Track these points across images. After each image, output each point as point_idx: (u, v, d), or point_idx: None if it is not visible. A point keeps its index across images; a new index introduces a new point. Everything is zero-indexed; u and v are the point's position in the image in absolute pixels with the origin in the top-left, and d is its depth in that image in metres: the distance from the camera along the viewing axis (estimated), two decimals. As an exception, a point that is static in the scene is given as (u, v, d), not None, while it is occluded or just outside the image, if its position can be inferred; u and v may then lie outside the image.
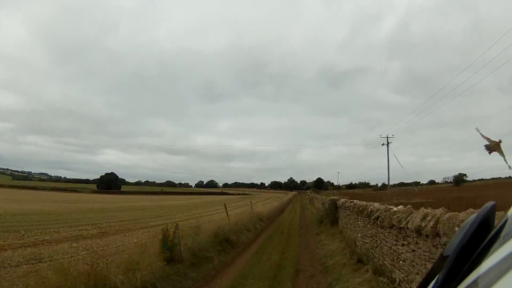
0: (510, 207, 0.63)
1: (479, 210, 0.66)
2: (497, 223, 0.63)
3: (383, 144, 38.69)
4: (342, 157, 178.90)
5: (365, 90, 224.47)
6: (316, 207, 26.25)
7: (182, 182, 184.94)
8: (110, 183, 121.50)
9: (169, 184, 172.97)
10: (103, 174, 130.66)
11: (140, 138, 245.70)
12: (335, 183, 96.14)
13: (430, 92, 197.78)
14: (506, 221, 0.60)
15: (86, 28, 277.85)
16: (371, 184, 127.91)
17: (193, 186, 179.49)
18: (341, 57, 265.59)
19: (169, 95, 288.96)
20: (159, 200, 59.53)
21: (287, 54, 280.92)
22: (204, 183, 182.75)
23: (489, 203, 0.67)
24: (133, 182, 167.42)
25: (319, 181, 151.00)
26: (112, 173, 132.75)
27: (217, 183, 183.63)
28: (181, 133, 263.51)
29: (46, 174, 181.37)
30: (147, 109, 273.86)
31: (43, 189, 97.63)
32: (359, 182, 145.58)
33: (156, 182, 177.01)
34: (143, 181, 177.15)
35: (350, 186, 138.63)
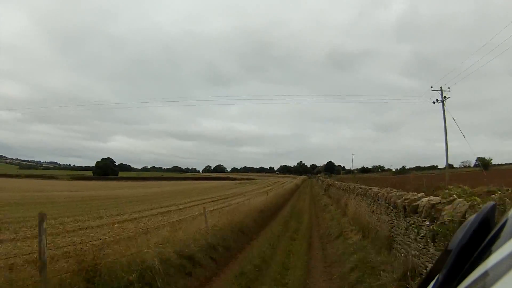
0: (510, 207, 0.63)
1: (479, 210, 0.66)
2: (497, 223, 0.64)
3: (436, 101, 24.34)
4: (353, 141, 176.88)
5: (375, 73, 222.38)
6: (345, 204, 13.82)
7: (190, 167, 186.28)
8: (106, 169, 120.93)
9: (176, 169, 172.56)
10: (99, 160, 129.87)
11: (147, 124, 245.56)
12: (347, 167, 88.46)
13: (439, 76, 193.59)
14: (506, 221, 0.61)
15: (87, 14, 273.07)
16: (385, 167, 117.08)
17: (201, 171, 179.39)
18: (349, 38, 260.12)
19: (174, 80, 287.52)
20: (147, 187, 52.73)
21: (292, 35, 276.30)
22: (212, 167, 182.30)
23: (489, 203, 0.67)
24: (139, 168, 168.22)
25: (330, 165, 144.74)
26: (109, 159, 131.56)
27: (225, 168, 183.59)
28: (189, 118, 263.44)
29: (55, 163, 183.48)
30: (153, 95, 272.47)
31: (27, 176, 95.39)
32: (373, 166, 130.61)
33: (163, 167, 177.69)
34: (149, 167, 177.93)
35: (364, 170, 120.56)
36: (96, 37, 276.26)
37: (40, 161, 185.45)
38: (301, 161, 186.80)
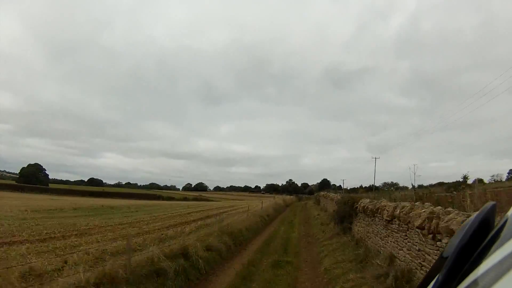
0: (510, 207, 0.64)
1: (479, 210, 0.67)
2: (497, 223, 0.64)
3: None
4: (347, 162, 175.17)
5: (371, 92, 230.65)
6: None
7: (168, 185, 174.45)
8: (31, 178, 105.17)
9: (153, 186, 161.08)
10: (25, 166, 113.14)
11: (139, 141, 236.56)
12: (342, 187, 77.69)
13: (437, 94, 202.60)
14: (506, 221, 0.61)
15: (81, 25, 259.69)
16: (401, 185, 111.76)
17: (181, 189, 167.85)
18: (347, 56, 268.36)
19: (168, 97, 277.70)
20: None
21: (290, 53, 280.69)
22: (192, 186, 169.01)
23: (489, 203, 0.68)
24: (112, 183, 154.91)
25: (324, 183, 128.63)
26: (37, 165, 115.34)
27: (207, 186, 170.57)
28: (181, 136, 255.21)
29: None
30: (146, 111, 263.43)
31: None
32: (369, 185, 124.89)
33: (138, 184, 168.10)
34: (123, 183, 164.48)
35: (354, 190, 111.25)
36: (90, 49, 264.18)
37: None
38: (290, 180, 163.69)
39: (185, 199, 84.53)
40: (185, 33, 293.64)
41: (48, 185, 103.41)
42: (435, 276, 0.65)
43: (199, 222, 17.76)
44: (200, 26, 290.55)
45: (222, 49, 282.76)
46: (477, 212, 0.66)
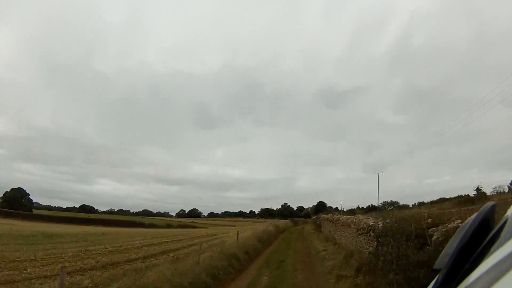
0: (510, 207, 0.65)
1: (479, 210, 0.67)
2: (497, 223, 0.64)
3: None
4: (342, 182, 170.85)
5: (365, 111, 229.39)
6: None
7: (161, 211, 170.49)
8: (13, 203, 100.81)
9: (146, 213, 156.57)
10: (8, 191, 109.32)
11: (134, 167, 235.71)
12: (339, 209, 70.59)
13: (432, 108, 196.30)
14: (506, 221, 0.61)
15: (74, 50, 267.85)
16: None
17: (174, 215, 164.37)
18: (339, 75, 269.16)
19: (162, 121, 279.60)
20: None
21: (282, 75, 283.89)
22: (186, 212, 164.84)
23: (489, 203, 0.68)
24: (104, 210, 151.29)
25: (320, 206, 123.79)
26: (20, 189, 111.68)
27: (200, 213, 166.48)
28: (176, 161, 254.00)
29: (37, 203, 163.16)
30: (140, 136, 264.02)
31: None
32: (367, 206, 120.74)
33: (131, 211, 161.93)
34: (116, 210, 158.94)
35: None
36: (82, 73, 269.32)
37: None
38: (285, 203, 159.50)
39: (169, 226, 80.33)
40: (176, 57, 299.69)
41: (31, 211, 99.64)
42: (435, 276, 0.64)
43: (139, 263, 13.00)
44: (192, 50, 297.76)
45: (214, 73, 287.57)
46: (477, 212, 0.66)
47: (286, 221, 64.88)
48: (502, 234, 0.58)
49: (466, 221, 0.67)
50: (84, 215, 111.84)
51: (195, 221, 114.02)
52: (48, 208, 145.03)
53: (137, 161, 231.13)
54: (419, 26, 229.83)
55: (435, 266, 0.66)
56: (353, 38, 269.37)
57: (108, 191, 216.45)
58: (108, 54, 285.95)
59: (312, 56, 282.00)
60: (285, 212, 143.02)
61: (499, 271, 0.47)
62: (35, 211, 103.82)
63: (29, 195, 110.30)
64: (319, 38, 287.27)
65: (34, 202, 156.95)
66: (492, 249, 0.55)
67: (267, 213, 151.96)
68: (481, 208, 0.67)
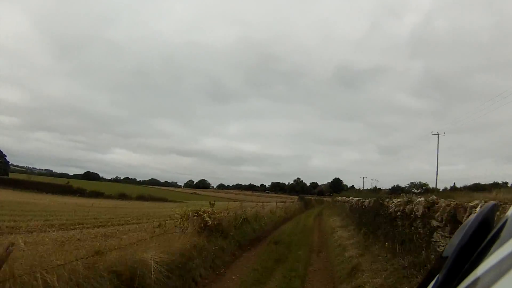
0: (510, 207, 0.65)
1: (479, 210, 0.67)
2: (497, 223, 0.64)
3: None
4: (355, 164, 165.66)
5: (383, 92, 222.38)
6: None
7: (169, 181, 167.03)
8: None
9: (153, 182, 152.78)
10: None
11: (147, 138, 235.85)
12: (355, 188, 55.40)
13: (450, 96, 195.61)
14: (506, 221, 0.61)
15: (86, 20, 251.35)
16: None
17: (182, 186, 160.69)
18: (358, 55, 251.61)
19: (175, 94, 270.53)
20: None
21: (298, 50, 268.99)
22: (194, 182, 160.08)
23: (489, 203, 0.68)
24: (109, 178, 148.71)
25: (336, 183, 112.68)
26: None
27: (209, 184, 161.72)
28: (189, 134, 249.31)
29: (51, 171, 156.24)
30: (153, 108, 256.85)
31: None
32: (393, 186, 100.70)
33: (137, 179, 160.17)
34: (122, 177, 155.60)
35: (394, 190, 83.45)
36: (95, 44, 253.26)
37: (35, 168, 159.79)
38: (298, 178, 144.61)
39: (140, 197, 57.64)
40: (191, 28, 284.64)
41: (7, 175, 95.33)
42: (435, 276, 0.64)
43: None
44: (206, 22, 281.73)
45: (229, 46, 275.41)
46: (477, 212, 0.66)
47: (291, 201, 40.26)
48: (502, 234, 0.58)
49: (466, 221, 0.67)
50: (63, 180, 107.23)
51: (197, 192, 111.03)
52: (51, 173, 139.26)
53: (151, 133, 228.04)
54: (442, 11, 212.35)
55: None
56: (374, 16, 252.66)
57: (122, 160, 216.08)
58: (120, 25, 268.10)
59: (330, 34, 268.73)
60: (297, 187, 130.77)
61: (499, 271, 0.47)
62: (11, 175, 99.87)
63: (6, 156, 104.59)
64: (337, 15, 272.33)
65: (48, 170, 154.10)
66: (492, 249, 0.55)
67: (278, 188, 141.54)
68: (481, 208, 0.67)
